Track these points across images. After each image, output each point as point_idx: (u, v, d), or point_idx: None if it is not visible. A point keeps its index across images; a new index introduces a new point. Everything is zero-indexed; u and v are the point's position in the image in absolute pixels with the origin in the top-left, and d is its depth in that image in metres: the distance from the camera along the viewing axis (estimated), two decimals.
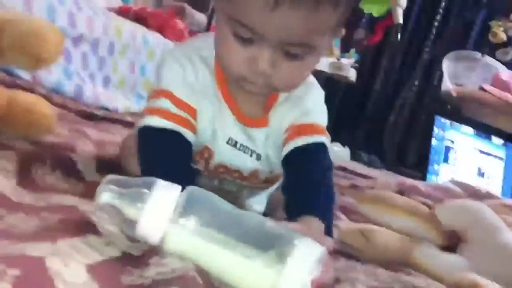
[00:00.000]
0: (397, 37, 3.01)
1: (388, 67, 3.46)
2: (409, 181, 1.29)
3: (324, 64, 3.05)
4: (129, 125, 1.52)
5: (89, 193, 0.76)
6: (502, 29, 3.07)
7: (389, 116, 3.36)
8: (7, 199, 0.65)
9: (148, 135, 0.77)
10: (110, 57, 1.86)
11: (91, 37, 1.74)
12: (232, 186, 0.89)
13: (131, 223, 0.59)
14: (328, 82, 3.35)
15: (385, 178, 1.82)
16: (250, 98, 0.81)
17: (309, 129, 0.82)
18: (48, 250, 0.53)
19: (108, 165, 0.92)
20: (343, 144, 3.07)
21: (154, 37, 2.10)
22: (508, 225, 1.00)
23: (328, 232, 0.70)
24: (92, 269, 0.53)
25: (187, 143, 0.78)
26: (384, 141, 3.24)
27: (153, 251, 0.59)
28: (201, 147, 0.85)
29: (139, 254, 0.60)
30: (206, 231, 0.57)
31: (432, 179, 1.61)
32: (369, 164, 2.93)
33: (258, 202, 0.94)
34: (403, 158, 3.32)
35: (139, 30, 2.05)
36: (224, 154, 0.84)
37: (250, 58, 0.70)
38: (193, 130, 0.80)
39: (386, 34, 3.15)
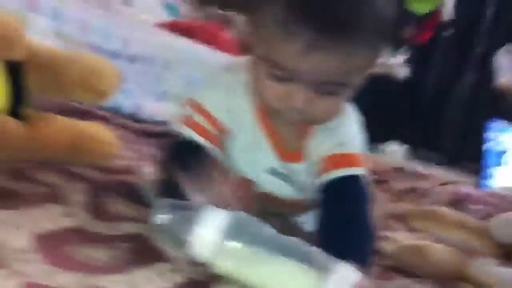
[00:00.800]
0: (447, 32, 2.97)
1: (441, 62, 3.41)
2: (463, 190, 1.29)
3: None
4: None
5: None
6: None
7: (445, 111, 3.31)
8: (84, 231, 0.71)
9: (179, 145, 0.80)
10: (165, 72, 1.92)
11: (146, 56, 1.82)
12: (277, 209, 0.89)
13: (184, 243, 0.63)
14: (380, 80, 3.33)
15: (440, 178, 1.80)
16: (287, 127, 0.81)
17: (345, 160, 0.79)
18: (120, 282, 0.59)
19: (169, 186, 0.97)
20: (400, 143, 3.04)
21: (206, 51, 2.16)
22: None
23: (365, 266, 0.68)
24: None
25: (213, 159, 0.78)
26: (441, 136, 3.20)
27: (216, 276, 0.64)
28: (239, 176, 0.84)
29: (203, 279, 0.65)
30: (250, 251, 0.61)
31: (488, 182, 1.59)
32: (428, 161, 2.90)
33: (306, 220, 0.92)
34: (462, 151, 3.24)
35: (191, 44, 2.10)
36: (264, 184, 0.85)
37: (285, 94, 0.71)
38: (222, 148, 0.81)
39: (436, 30, 3.12)
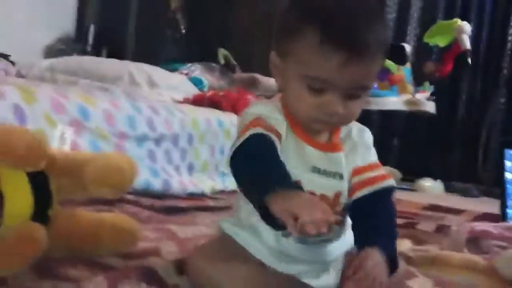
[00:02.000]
0: (468, 62, 2.98)
1: (468, 92, 3.41)
2: (480, 226, 1.29)
3: (400, 102, 3.07)
4: (212, 209, 1.68)
5: None
6: None
7: (478, 141, 3.28)
8: None
9: (246, 144, 0.86)
10: (191, 147, 2.03)
11: (171, 135, 1.93)
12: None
13: None
14: (410, 118, 3.35)
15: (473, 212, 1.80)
16: (318, 134, 0.95)
17: (376, 175, 0.94)
18: None
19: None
20: (435, 178, 3.03)
21: (228, 118, 2.26)
22: None
23: (392, 263, 0.82)
24: None
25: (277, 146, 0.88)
26: (477, 167, 3.16)
27: None
28: None
29: None
30: None
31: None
32: (465, 193, 2.87)
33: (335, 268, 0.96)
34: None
35: (213, 115, 2.22)
36: (310, 182, 0.93)
37: (322, 103, 0.87)
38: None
39: (459, 61, 3.13)
